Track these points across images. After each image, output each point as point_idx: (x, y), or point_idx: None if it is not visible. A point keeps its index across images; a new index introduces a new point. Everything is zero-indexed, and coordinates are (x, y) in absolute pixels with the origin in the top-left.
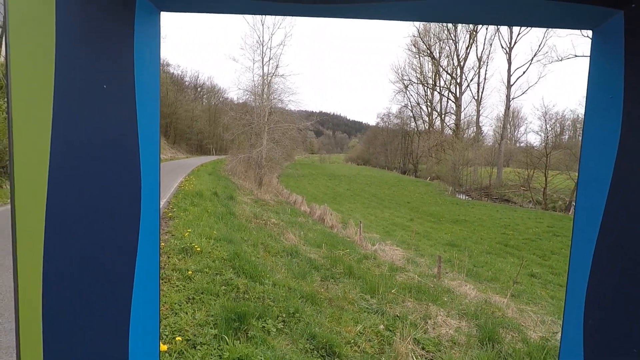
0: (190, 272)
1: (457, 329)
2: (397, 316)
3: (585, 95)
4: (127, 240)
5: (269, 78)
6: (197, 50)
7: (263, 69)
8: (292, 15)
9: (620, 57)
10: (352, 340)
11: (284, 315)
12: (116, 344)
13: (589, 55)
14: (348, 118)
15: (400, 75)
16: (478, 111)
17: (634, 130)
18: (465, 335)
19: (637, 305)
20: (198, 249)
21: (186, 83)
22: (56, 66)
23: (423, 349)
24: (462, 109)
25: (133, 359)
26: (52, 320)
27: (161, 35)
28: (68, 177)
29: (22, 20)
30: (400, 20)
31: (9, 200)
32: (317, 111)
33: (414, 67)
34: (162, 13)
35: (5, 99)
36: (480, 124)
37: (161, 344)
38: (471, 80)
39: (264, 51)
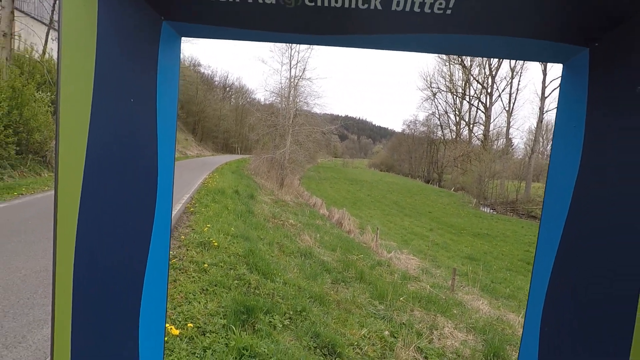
0: (206, 265)
1: (463, 342)
2: (404, 324)
3: (554, 121)
4: (142, 233)
5: (296, 81)
6: (227, 51)
7: (290, 71)
8: (305, 44)
9: (584, 89)
10: (356, 343)
11: (291, 313)
12: (128, 328)
13: (559, 86)
14: (373, 123)
15: (428, 82)
16: (508, 122)
17: (593, 156)
18: (470, 348)
19: (590, 314)
20: (215, 243)
21: (215, 83)
22: (95, 82)
23: (426, 358)
24: (492, 120)
25: (143, 339)
26: (80, 301)
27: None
28: (98, 173)
29: (71, 40)
30: (407, 51)
31: (46, 188)
32: (343, 115)
33: (443, 74)
34: (182, 38)
35: (48, 96)
36: (510, 136)
37: (174, 329)
38: (503, 91)
39: (292, 54)
